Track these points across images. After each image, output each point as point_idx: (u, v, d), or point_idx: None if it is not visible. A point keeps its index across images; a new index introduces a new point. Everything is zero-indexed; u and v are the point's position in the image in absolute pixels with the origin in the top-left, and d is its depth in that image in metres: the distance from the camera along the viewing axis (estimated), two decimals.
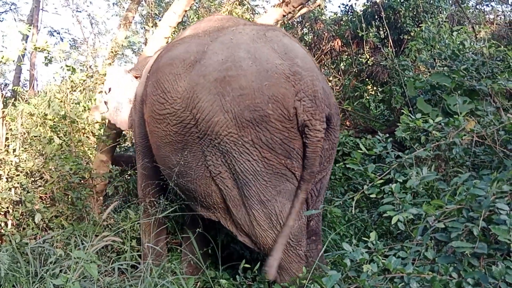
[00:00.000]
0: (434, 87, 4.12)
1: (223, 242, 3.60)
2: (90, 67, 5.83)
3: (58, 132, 3.99)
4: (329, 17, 8.28)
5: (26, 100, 4.61)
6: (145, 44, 6.75)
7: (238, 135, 2.57)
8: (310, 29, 7.81)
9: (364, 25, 6.27)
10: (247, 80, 2.57)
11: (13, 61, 4.04)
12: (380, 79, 6.30)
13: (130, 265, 3.08)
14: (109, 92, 3.88)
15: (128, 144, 6.67)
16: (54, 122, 4.04)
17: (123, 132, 4.75)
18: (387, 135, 2.74)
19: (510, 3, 8.06)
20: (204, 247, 3.49)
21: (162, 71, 2.98)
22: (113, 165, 4.17)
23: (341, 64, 7.60)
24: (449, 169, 3.34)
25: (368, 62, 7.01)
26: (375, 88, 6.97)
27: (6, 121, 4.09)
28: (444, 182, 2.63)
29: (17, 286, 2.57)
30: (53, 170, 3.75)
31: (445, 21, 5.60)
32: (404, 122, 2.89)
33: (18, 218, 3.64)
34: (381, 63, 6.00)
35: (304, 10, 7.28)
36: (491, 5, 8.22)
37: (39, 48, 4.05)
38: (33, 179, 3.85)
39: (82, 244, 2.91)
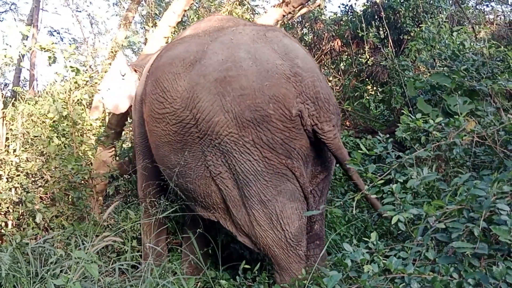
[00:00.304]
0: (434, 87, 4.12)
1: (223, 242, 3.60)
2: (90, 67, 5.84)
3: (59, 132, 3.99)
4: (329, 17, 8.28)
5: (26, 100, 4.61)
6: (145, 44, 6.75)
7: (238, 135, 2.57)
8: (310, 29, 7.81)
9: (364, 25, 6.27)
10: (247, 80, 2.57)
11: (12, 61, 4.03)
12: (380, 79, 6.30)
13: (130, 265, 3.08)
14: (111, 78, 3.90)
15: (128, 145, 6.66)
16: (55, 122, 4.03)
17: (123, 133, 4.75)
18: (387, 135, 2.74)
19: (510, 3, 8.06)
20: (205, 247, 3.49)
21: (161, 70, 2.97)
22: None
23: (341, 64, 7.60)
24: (449, 169, 3.34)
25: (368, 62, 7.00)
26: (375, 88, 6.97)
27: (7, 121, 4.09)
28: (444, 182, 2.63)
29: (18, 286, 2.57)
30: (55, 170, 3.74)
31: (445, 22, 5.60)
32: (404, 122, 2.89)
33: (18, 218, 3.64)
34: (381, 63, 6.00)
35: (304, 10, 7.28)
36: (491, 5, 8.22)
37: (44, 48, 4.05)
38: (33, 179, 3.85)
39: (83, 244, 2.91)
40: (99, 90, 3.97)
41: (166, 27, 4.63)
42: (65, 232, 3.31)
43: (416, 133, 3.06)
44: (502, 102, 3.55)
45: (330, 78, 7.13)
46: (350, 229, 3.90)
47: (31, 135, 4.03)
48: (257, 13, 7.30)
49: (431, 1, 6.41)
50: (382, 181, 2.34)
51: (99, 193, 4.24)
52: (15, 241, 3.07)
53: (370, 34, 6.29)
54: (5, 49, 3.90)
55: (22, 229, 3.60)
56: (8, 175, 3.75)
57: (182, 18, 4.94)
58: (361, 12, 6.97)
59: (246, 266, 2.94)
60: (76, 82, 4.34)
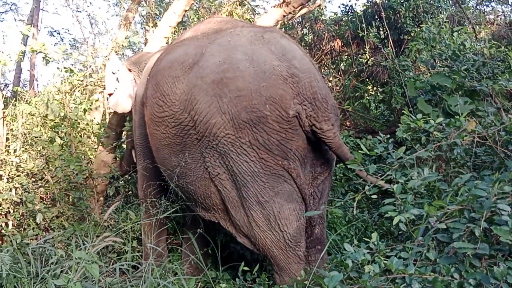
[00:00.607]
0: (434, 87, 4.12)
1: (223, 242, 3.60)
2: (90, 67, 5.83)
3: (59, 133, 3.99)
4: (329, 17, 8.28)
5: (26, 101, 4.61)
6: (145, 44, 6.74)
7: (235, 136, 2.58)
8: (310, 29, 7.80)
9: (364, 26, 6.27)
10: (244, 82, 2.57)
11: (7, 64, 4.04)
12: (380, 79, 6.30)
13: (131, 266, 3.08)
14: (111, 75, 3.93)
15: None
16: (54, 122, 4.04)
17: (123, 133, 4.75)
18: (388, 135, 2.74)
19: (510, 3, 8.06)
20: (205, 248, 3.49)
21: (161, 74, 2.99)
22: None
23: (341, 64, 7.60)
24: (450, 169, 3.34)
25: (368, 62, 7.00)
26: (375, 88, 6.97)
27: (7, 121, 4.09)
28: (445, 182, 2.63)
29: (18, 286, 2.56)
30: (56, 170, 3.74)
31: (445, 22, 5.60)
32: (405, 122, 2.89)
33: (19, 219, 3.64)
34: (381, 63, 6.00)
35: (304, 11, 7.28)
36: (491, 6, 8.22)
37: (36, 50, 4.06)
38: (33, 180, 3.85)
39: (83, 244, 2.91)
40: (107, 97, 4.00)
41: (166, 27, 4.63)
42: (66, 232, 3.31)
43: (417, 134, 3.05)
44: (503, 102, 3.55)
45: (330, 78, 7.12)
46: (350, 229, 3.90)
47: (31, 135, 4.03)
48: (257, 13, 7.29)
49: (431, 1, 6.41)
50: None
51: (100, 194, 4.24)
52: (16, 242, 3.08)
53: (371, 34, 6.30)
54: (2, 52, 3.91)
55: (22, 229, 3.60)
56: (8, 175, 3.75)
57: (182, 19, 4.94)
58: (361, 12, 6.97)
59: (246, 268, 2.94)
60: (70, 83, 4.34)
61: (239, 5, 6.61)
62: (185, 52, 2.94)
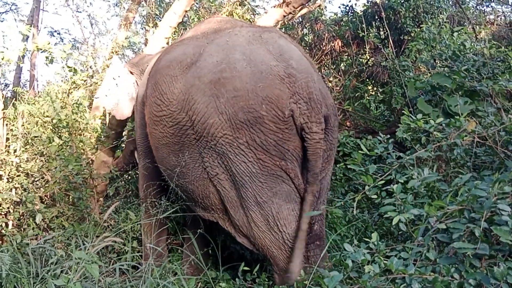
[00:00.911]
0: (434, 87, 4.12)
1: (223, 243, 3.60)
2: (90, 67, 5.83)
3: (59, 133, 3.99)
4: (329, 18, 8.28)
5: (27, 101, 4.61)
6: (146, 45, 6.75)
7: (233, 136, 2.57)
8: (310, 29, 7.81)
9: (364, 26, 6.27)
10: (241, 82, 2.57)
11: (10, 61, 4.03)
12: (380, 79, 6.30)
13: (131, 266, 3.07)
14: (109, 84, 3.92)
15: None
16: (55, 122, 4.03)
17: (124, 133, 4.75)
18: (388, 135, 2.74)
19: (510, 3, 8.06)
20: (205, 248, 3.49)
21: (160, 73, 3.00)
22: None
23: (342, 64, 7.60)
24: (450, 170, 3.34)
25: (369, 62, 7.01)
26: (375, 88, 6.97)
27: (7, 121, 4.09)
28: (445, 183, 2.63)
29: (18, 286, 2.56)
30: (55, 170, 3.74)
31: (445, 22, 5.60)
32: (405, 122, 2.89)
33: (19, 219, 3.64)
34: (381, 63, 6.01)
35: (304, 11, 7.29)
36: (491, 6, 8.22)
37: (41, 48, 4.05)
38: (33, 180, 3.85)
39: (83, 244, 2.91)
40: (103, 103, 3.99)
41: (167, 27, 4.63)
42: (66, 232, 3.30)
43: (417, 134, 3.06)
44: (503, 102, 3.55)
45: (331, 79, 7.13)
46: (350, 229, 3.89)
47: (31, 135, 4.03)
48: (257, 14, 7.30)
49: (432, 2, 6.41)
50: (383, 181, 2.34)
51: (100, 194, 4.24)
52: (16, 242, 3.07)
53: (371, 34, 6.30)
54: (2, 52, 3.90)
55: (22, 229, 3.59)
56: (8, 175, 3.74)
57: (182, 19, 4.95)
58: (362, 13, 6.97)
59: (246, 268, 2.94)
60: (74, 82, 4.34)
61: (239, 5, 6.61)
62: (184, 52, 2.95)
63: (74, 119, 4.00)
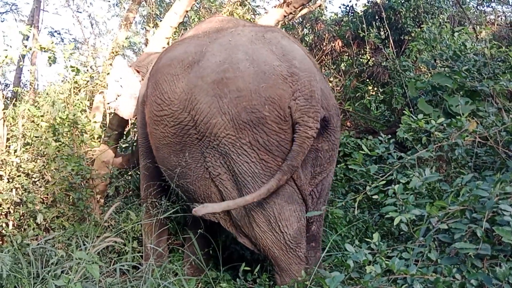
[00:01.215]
0: (435, 88, 4.12)
1: (224, 243, 3.60)
2: (90, 67, 5.83)
3: (59, 133, 3.99)
4: (330, 18, 8.28)
5: (27, 101, 4.61)
6: (146, 45, 6.74)
7: (236, 136, 2.57)
8: (310, 29, 7.81)
9: (364, 26, 6.27)
10: (244, 82, 2.56)
11: (14, 60, 4.03)
12: (381, 79, 6.29)
13: (131, 266, 3.07)
14: (114, 82, 3.90)
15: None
16: (56, 122, 4.03)
17: (125, 133, 4.75)
18: (389, 136, 2.74)
19: (510, 4, 8.07)
20: (206, 248, 3.48)
21: (161, 72, 2.98)
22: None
23: (342, 64, 7.60)
24: (451, 170, 3.34)
25: (369, 62, 7.00)
26: (375, 88, 6.97)
27: (7, 121, 4.09)
28: (446, 183, 2.63)
29: (18, 287, 2.56)
30: (55, 171, 3.74)
31: (446, 22, 5.61)
32: (405, 122, 2.89)
33: (19, 219, 3.63)
34: (382, 63, 6.00)
35: (304, 11, 7.28)
36: (492, 6, 8.22)
37: (44, 48, 4.04)
38: (34, 180, 3.85)
39: (84, 245, 2.90)
40: (108, 102, 3.96)
41: (167, 27, 4.62)
42: (66, 232, 3.30)
43: (418, 134, 3.05)
44: (504, 102, 3.55)
45: (331, 79, 7.13)
46: (351, 230, 3.89)
47: (31, 135, 4.02)
48: (258, 14, 7.30)
49: (432, 2, 6.41)
50: (384, 181, 2.34)
51: (100, 194, 4.24)
52: (16, 242, 3.07)
53: (371, 34, 6.29)
54: (6, 50, 3.89)
55: (23, 229, 3.59)
56: (9, 175, 3.74)
57: (183, 19, 4.94)
58: (362, 13, 6.97)
59: (246, 268, 2.94)
60: (76, 82, 4.33)
61: (240, 5, 6.61)
62: (185, 51, 2.93)
63: (75, 117, 3.98)
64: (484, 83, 3.58)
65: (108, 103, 3.96)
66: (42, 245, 2.95)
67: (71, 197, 3.79)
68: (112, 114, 4.45)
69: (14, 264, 2.65)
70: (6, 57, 3.86)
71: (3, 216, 3.63)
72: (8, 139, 4.04)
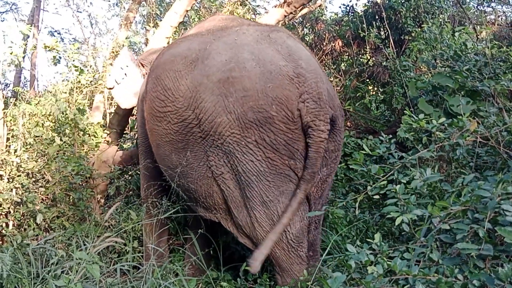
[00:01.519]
0: (435, 87, 4.12)
1: (224, 243, 3.59)
2: (90, 67, 5.82)
3: (60, 133, 3.98)
4: (330, 18, 8.28)
5: (27, 101, 4.60)
6: (146, 44, 6.74)
7: (241, 135, 2.56)
8: (311, 29, 7.80)
9: (365, 26, 6.27)
10: (250, 82, 2.56)
11: (19, 57, 4.02)
12: (381, 79, 6.29)
13: (132, 266, 3.07)
14: (117, 69, 3.89)
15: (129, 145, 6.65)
16: (57, 122, 4.02)
17: (124, 132, 4.75)
18: (390, 136, 2.73)
19: (511, 3, 8.07)
20: (206, 248, 3.48)
21: (162, 68, 2.95)
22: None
23: (342, 64, 7.59)
24: (451, 170, 3.33)
25: (369, 62, 7.00)
26: (376, 88, 6.96)
27: (7, 121, 4.08)
28: (447, 183, 2.62)
29: (19, 287, 2.56)
30: (55, 171, 3.73)
31: (446, 22, 5.60)
32: (406, 122, 2.88)
33: (19, 219, 3.63)
34: (382, 63, 5.99)
35: (305, 11, 7.28)
36: (492, 6, 8.22)
37: (48, 47, 4.04)
38: (34, 180, 3.84)
39: (84, 245, 2.90)
40: (109, 88, 3.94)
41: (167, 27, 4.62)
42: (66, 232, 3.30)
43: (418, 134, 3.05)
44: (505, 102, 3.55)
45: (331, 79, 7.11)
46: (351, 230, 3.89)
47: (32, 135, 4.01)
48: (258, 14, 7.29)
49: (432, 2, 6.40)
50: (385, 181, 2.34)
51: (100, 194, 4.23)
52: (16, 242, 3.06)
53: (371, 34, 6.28)
54: (10, 47, 3.89)
55: (23, 229, 3.59)
56: (9, 175, 3.74)
57: (183, 19, 4.94)
58: (362, 13, 6.96)
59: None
60: (79, 82, 4.33)
61: (240, 5, 6.61)
62: (189, 47, 2.91)
63: (77, 116, 3.97)
64: (485, 83, 3.58)
65: (109, 89, 3.95)
66: (42, 245, 2.95)
67: (71, 197, 3.78)
68: (112, 114, 4.45)
69: (14, 264, 2.64)
70: (11, 53, 3.85)
71: (3, 216, 3.62)
72: (8, 139, 4.04)
